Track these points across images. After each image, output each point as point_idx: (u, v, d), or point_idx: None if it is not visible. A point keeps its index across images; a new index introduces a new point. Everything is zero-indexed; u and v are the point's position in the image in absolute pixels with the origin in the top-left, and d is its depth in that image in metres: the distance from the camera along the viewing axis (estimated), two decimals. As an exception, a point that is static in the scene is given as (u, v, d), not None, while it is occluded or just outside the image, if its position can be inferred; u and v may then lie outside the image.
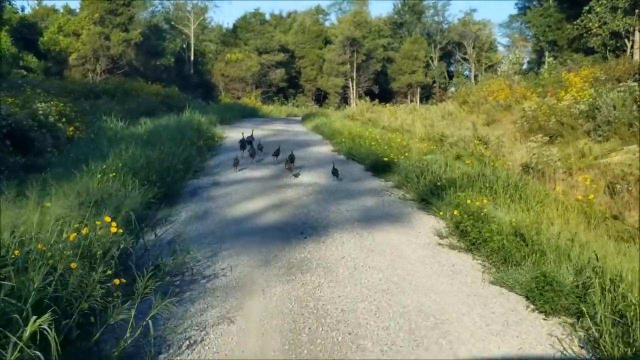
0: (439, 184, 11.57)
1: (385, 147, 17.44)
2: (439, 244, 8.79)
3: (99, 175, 9.81)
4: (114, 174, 9.92)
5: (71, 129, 16.36)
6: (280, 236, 8.93)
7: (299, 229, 9.39)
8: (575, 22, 34.15)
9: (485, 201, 9.59)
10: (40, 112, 15.41)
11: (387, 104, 41.17)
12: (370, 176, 14.98)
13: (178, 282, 6.77)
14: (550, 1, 40.66)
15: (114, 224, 5.67)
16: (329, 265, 7.53)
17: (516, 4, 54.50)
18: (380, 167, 15.40)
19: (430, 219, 10.34)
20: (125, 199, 8.31)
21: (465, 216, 9.08)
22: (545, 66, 37.95)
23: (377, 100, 42.31)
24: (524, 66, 49.42)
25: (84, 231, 5.46)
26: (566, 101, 21.37)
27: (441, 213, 10.14)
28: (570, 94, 22.09)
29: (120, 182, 9.79)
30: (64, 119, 16.41)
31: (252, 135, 17.88)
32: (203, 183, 13.30)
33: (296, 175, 14.28)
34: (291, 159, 15.00)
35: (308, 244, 8.53)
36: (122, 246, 5.71)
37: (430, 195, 11.34)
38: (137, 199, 9.04)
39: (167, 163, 12.22)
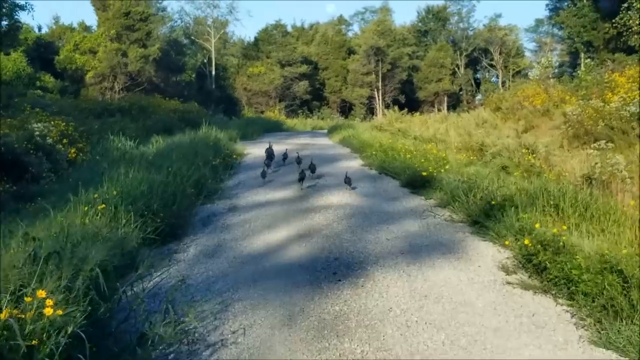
0: (493, 202, 9.77)
1: (422, 160, 15.71)
2: (508, 283, 6.99)
3: (86, 208, 8.13)
4: (103, 205, 8.22)
5: (73, 150, 14.74)
6: (308, 279, 7.20)
7: (331, 267, 7.65)
8: (613, 21, 32.31)
9: (564, 227, 7.76)
10: (37, 133, 13.81)
11: (415, 114, 39.48)
12: (408, 194, 13.22)
13: (172, 355, 5.05)
14: (585, 0, 38.77)
15: (49, 302, 3.89)
16: (373, 323, 5.76)
17: (547, 5, 52.70)
18: (418, 183, 13.69)
19: (489, 248, 8.55)
20: (105, 244, 6.56)
21: (539, 246, 7.26)
22: (582, 68, 35.93)
23: (405, 109, 40.53)
24: (556, 69, 47.55)
25: (2, 315, 3.72)
26: (614, 103, 19.49)
27: (507, 242, 8.27)
28: (619, 95, 20.20)
29: (111, 216, 8.10)
30: (65, 140, 14.83)
31: (270, 148, 16.73)
32: (218, 208, 11.64)
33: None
34: (312, 169, 14.63)
35: (343, 290, 6.79)
36: (68, 330, 3.86)
37: (485, 217, 9.56)
38: (130, 237, 7.36)
39: (174, 187, 10.54)
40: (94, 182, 10.43)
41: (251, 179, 15.33)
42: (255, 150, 20.04)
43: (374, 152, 18.64)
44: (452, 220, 10.34)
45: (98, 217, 7.91)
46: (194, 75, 59.47)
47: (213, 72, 57.90)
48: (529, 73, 70.96)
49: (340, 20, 78.04)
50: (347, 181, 13.34)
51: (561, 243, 7.15)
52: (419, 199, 12.55)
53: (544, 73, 44.36)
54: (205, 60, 59.82)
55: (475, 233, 9.35)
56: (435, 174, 13.80)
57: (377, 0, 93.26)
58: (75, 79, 41.35)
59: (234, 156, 18.30)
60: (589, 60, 35.91)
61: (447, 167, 14.71)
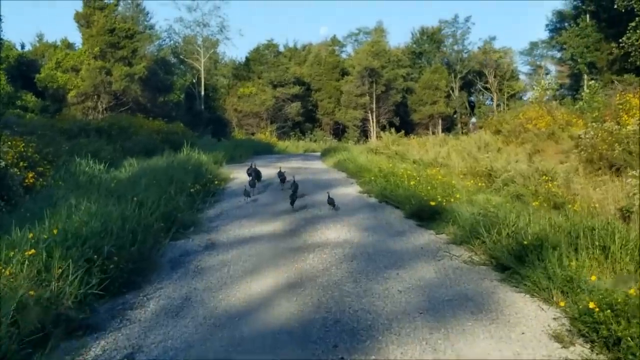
0: (525, 242, 7.99)
1: (428, 187, 13.98)
2: (567, 360, 5.21)
3: (11, 254, 6.30)
4: (32, 251, 6.37)
5: (31, 175, 12.83)
6: (300, 355, 5.39)
7: (330, 336, 5.81)
8: (620, 40, 30.92)
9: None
10: (-15, 154, 11.94)
11: (411, 136, 37.82)
12: (415, 227, 11.47)
13: None
14: (587, 20, 37.41)
15: None
16: None
17: (547, 25, 51.25)
18: (426, 214, 11.98)
19: (528, 303, 6.76)
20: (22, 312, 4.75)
21: (609, 311, 5.46)
22: (586, 89, 34.46)
23: (401, 132, 38.82)
24: (557, 91, 46.20)
25: None
26: (631, 126, 17.86)
27: (562, 303, 6.38)
28: (635, 117, 18.59)
29: (42, 265, 6.26)
30: (22, 163, 12.93)
31: (253, 168, 16.34)
32: (193, 246, 9.82)
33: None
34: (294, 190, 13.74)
35: (349, 376, 4.97)
36: None
37: (515, 261, 7.79)
38: (64, 295, 5.55)
39: (135, 222, 8.64)
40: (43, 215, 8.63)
41: (235, 208, 13.57)
42: (242, 175, 18.27)
43: (372, 178, 16.93)
44: (473, 263, 8.57)
45: (24, 266, 6.06)
46: (182, 96, 57.70)
47: (202, 93, 56.17)
48: (529, 95, 70.34)
49: (334, 41, 76.74)
50: (330, 202, 12.94)
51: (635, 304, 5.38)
52: (428, 234, 10.80)
53: (544, 95, 43.09)
54: (194, 80, 58.12)
55: (506, 281, 7.57)
56: (444, 203, 12.10)
57: (371, 20, 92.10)
58: (56, 98, 39.46)
59: (217, 182, 16.37)
60: (592, 82, 34.35)
61: (457, 195, 13.01)
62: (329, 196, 12.90)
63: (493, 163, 18.19)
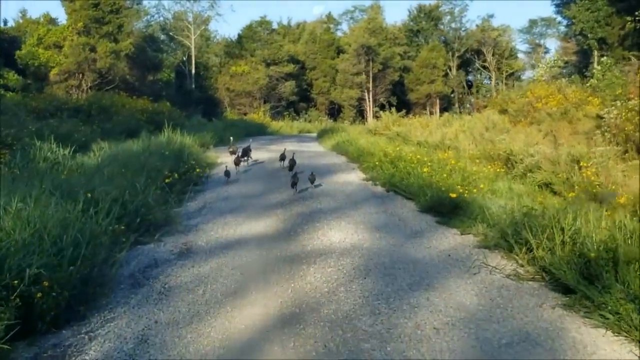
0: (592, 255, 6.08)
1: (444, 175, 12.08)
2: None
3: None
4: None
5: (-20, 162, 10.94)
6: None
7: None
8: (637, 13, 29.01)
9: None
10: None
11: (409, 116, 35.82)
12: (435, 224, 9.59)
13: None
14: (598, -7, 35.40)
15: None
16: None
17: (553, -1, 48.91)
18: (445, 208, 10.14)
19: (615, 347, 4.88)
20: None
21: None
22: (597, 66, 32.52)
23: (402, 111, 36.79)
24: (563, 69, 44.36)
25: None
26: (660, 104, 16.15)
27: None
28: (665, 94, 16.87)
29: None
30: (-28, 148, 11.07)
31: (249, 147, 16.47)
32: (164, 252, 7.85)
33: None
34: (291, 165, 13.77)
35: None
36: None
37: (581, 280, 5.92)
38: None
39: (82, 229, 6.47)
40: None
41: (220, 199, 11.64)
42: (230, 159, 16.38)
43: (377, 163, 15.02)
44: (520, 278, 6.68)
45: None
46: (172, 75, 55.58)
47: (193, 71, 54.05)
48: (528, 74, 68.65)
49: (329, 18, 74.43)
50: (311, 179, 12.61)
51: None
52: (451, 234, 8.91)
53: (549, 72, 41.24)
54: (184, 59, 55.97)
55: (573, 309, 5.69)
56: (465, 194, 10.23)
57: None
58: (38, 76, 37.31)
59: (199, 169, 14.21)
60: (605, 58, 32.36)
61: (481, 185, 11.13)
62: (311, 173, 12.62)
63: (509, 145, 16.32)
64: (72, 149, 13.90)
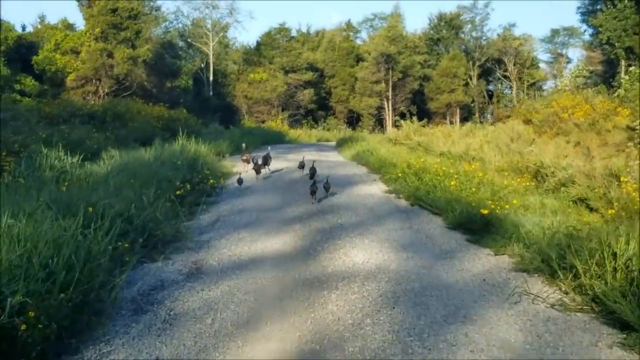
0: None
1: (473, 189, 11.37)
2: None
3: None
4: None
5: (-18, 171, 10.34)
6: None
7: None
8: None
9: None
10: None
11: (429, 126, 35.02)
12: (465, 243, 8.87)
13: None
14: (626, 1, 34.54)
15: None
16: None
17: (578, 8, 48.00)
18: (476, 225, 9.42)
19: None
20: None
21: None
22: (625, 76, 31.68)
23: (424, 120, 36.04)
24: (587, 79, 43.45)
25: None
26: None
27: None
28: None
29: None
30: (-26, 156, 10.46)
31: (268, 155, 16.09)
32: (172, 272, 7.18)
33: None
34: (311, 174, 13.36)
35: None
36: None
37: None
38: None
39: (72, 248, 5.67)
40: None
41: (235, 212, 10.97)
42: (244, 168, 15.70)
43: (399, 175, 14.33)
44: (566, 309, 5.96)
45: None
46: (191, 82, 55.19)
47: (211, 78, 53.63)
48: (549, 84, 67.78)
49: (349, 26, 73.76)
50: (326, 187, 12.31)
51: None
52: (484, 254, 8.19)
53: (574, 82, 40.41)
54: (202, 66, 55.53)
55: (635, 350, 4.96)
56: (497, 210, 9.53)
57: (387, 2, 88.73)
58: (55, 81, 36.97)
59: (212, 180, 13.21)
60: (633, 67, 31.51)
61: (514, 201, 10.42)
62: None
63: (542, 158, 15.57)
64: (82, 157, 13.30)
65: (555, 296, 6.27)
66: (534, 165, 14.90)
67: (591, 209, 11.28)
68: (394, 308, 5.92)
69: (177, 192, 10.39)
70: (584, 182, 12.28)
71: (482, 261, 7.81)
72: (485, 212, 9.45)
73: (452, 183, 11.85)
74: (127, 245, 6.95)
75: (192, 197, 11.32)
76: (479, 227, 9.41)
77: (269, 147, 18.42)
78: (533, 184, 13.61)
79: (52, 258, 5.26)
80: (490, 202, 10.17)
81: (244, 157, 16.15)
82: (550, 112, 24.44)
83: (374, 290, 6.46)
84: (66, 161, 12.18)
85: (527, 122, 25.58)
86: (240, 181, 13.29)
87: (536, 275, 7.03)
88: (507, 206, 10.01)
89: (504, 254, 8.05)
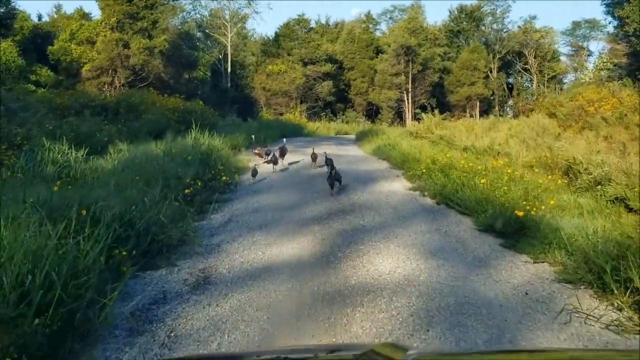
0: None
1: (504, 188, 10.56)
2: None
3: None
4: None
5: (-24, 164, 9.64)
6: None
7: None
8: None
9: None
10: None
11: (449, 119, 34.08)
12: (499, 248, 8.09)
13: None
14: (655, -10, 33.46)
15: None
16: None
17: (602, -1, 46.57)
18: (510, 228, 8.63)
19: None
20: None
21: None
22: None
23: (445, 113, 35.23)
24: (611, 72, 42.45)
25: None
26: None
27: None
28: None
29: None
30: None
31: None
32: (176, 281, 6.44)
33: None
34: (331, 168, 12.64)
35: None
36: None
37: None
38: None
39: (55, 261, 4.92)
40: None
41: (250, 211, 10.23)
42: (264, 164, 14.99)
43: (423, 171, 13.55)
44: (625, 330, 5.18)
45: None
46: (209, 73, 54.52)
47: (229, 70, 52.87)
48: (570, 77, 66.77)
49: (368, 17, 72.84)
50: (338, 178, 11.82)
51: None
52: (522, 261, 7.42)
53: (598, 75, 39.41)
54: (220, 57, 54.81)
55: None
56: (533, 212, 8.75)
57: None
58: (70, 72, 36.43)
59: (225, 177, 12.59)
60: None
61: (550, 201, 9.62)
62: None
63: (571, 153, 14.72)
64: (90, 151, 12.56)
65: (608, 314, 5.48)
66: (565, 162, 14.08)
67: (630, 209, 10.47)
68: (428, 331, 5.14)
69: (186, 191, 9.62)
70: (621, 180, 11.44)
71: (521, 270, 7.03)
72: (520, 214, 8.67)
73: (482, 181, 11.04)
74: (124, 253, 6.18)
75: (204, 194, 10.60)
76: (513, 230, 8.64)
77: (284, 140, 17.75)
78: (564, 181, 12.78)
79: (29, 274, 4.50)
80: (524, 202, 9.39)
81: (257, 151, 15.54)
82: (575, 106, 23.66)
83: (404, 307, 5.68)
84: (70, 155, 11.41)
85: (551, 115, 24.80)
86: (254, 173, 12.96)
87: (583, 287, 6.25)
88: (542, 207, 9.22)
89: (543, 262, 7.27)
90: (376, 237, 8.40)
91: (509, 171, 12.49)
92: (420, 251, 7.73)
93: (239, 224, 9.31)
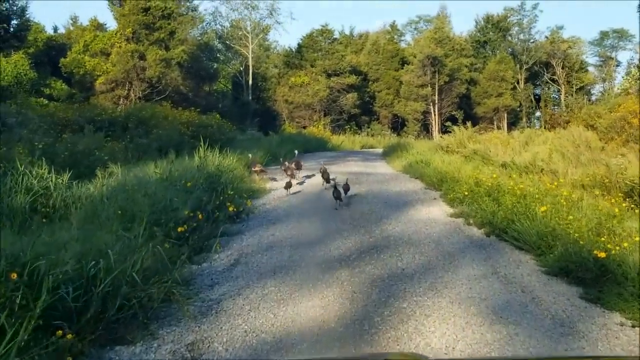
0: None
1: (571, 217, 8.67)
2: None
3: None
4: None
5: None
6: None
7: None
8: None
9: None
10: None
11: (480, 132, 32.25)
12: (579, 302, 6.31)
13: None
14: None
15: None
16: None
17: (639, 6, 44.23)
18: (587, 271, 6.88)
19: None
20: None
21: None
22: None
23: (477, 126, 33.34)
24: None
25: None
26: None
27: None
28: None
29: None
30: None
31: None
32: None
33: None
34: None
35: None
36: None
37: None
38: None
39: None
40: None
41: (262, 249, 8.39)
42: (283, 185, 13.21)
43: (466, 193, 11.71)
44: None
45: None
46: (230, 85, 53.06)
47: (250, 82, 51.32)
48: (598, 88, 65.16)
49: (393, 28, 71.12)
50: (345, 189, 11.81)
51: None
52: (617, 324, 5.67)
53: (635, 85, 37.98)
54: (242, 69, 53.30)
55: None
56: (614, 251, 6.95)
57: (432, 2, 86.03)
58: (84, 85, 35.11)
59: (232, 207, 10.36)
60: None
61: (636, 237, 7.72)
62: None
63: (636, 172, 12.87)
64: (78, 173, 10.81)
65: None
66: (630, 182, 12.22)
67: None
68: None
69: (180, 229, 7.66)
70: None
71: (622, 340, 5.22)
72: (602, 255, 6.83)
73: (543, 209, 9.14)
74: (70, 335, 4.35)
75: (206, 229, 8.73)
76: (592, 275, 6.80)
77: (296, 152, 16.28)
78: (629, 205, 10.86)
79: None
80: (598, 236, 7.56)
81: (256, 168, 14.13)
82: (616, 117, 21.94)
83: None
84: (50, 181, 9.52)
85: (589, 127, 23.07)
86: (288, 185, 12.59)
87: None
88: (624, 244, 7.35)
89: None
90: (420, 288, 6.57)
91: (564, 193, 10.64)
92: (481, 310, 5.90)
93: (247, 267, 7.48)
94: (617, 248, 7.12)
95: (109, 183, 9.78)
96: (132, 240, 6.31)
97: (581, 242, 7.37)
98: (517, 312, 5.88)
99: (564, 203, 9.79)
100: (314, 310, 5.94)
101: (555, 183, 12.33)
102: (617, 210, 9.37)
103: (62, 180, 9.43)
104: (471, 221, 10.20)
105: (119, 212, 7.45)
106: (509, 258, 7.98)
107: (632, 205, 10.83)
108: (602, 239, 7.48)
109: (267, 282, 6.84)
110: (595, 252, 6.92)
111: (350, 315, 5.78)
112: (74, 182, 9.69)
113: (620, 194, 11.83)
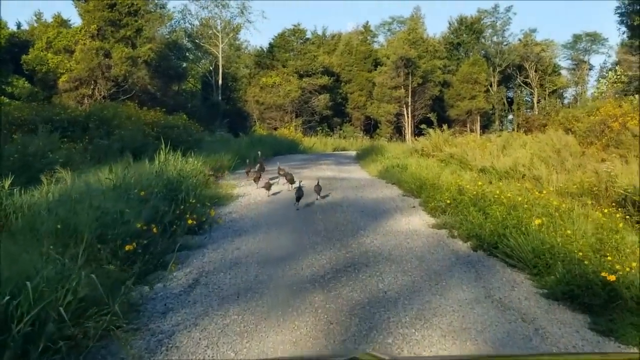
0: None
1: (567, 232, 7.83)
2: None
3: None
4: None
5: None
6: None
7: None
8: None
9: None
10: None
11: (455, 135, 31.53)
12: (590, 334, 5.52)
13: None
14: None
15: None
16: None
17: (616, 8, 43.91)
18: (594, 297, 6.08)
19: None
20: None
21: None
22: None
23: (453, 128, 32.69)
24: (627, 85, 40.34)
25: None
26: None
27: None
28: None
29: None
30: None
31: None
32: None
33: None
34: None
35: None
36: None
37: None
38: None
39: None
40: None
41: (226, 267, 7.43)
42: (253, 190, 12.26)
43: (448, 202, 10.89)
44: None
45: None
46: (199, 85, 51.97)
47: (220, 82, 50.27)
48: (570, 92, 65.25)
49: (366, 29, 70.36)
50: (317, 190, 11.89)
51: None
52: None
53: (611, 89, 37.73)
54: (211, 68, 52.24)
55: None
56: (622, 272, 6.13)
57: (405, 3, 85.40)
58: (47, 83, 33.85)
59: (190, 221, 8.94)
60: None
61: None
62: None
63: (628, 180, 12.13)
64: (28, 178, 9.78)
65: None
66: (623, 191, 11.46)
67: None
68: None
69: (128, 247, 6.62)
70: None
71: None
72: (612, 278, 6.00)
73: (537, 222, 8.27)
74: None
75: (162, 244, 7.69)
76: (600, 301, 5.97)
77: (259, 152, 15.38)
78: (621, 215, 10.06)
79: None
80: (608, 256, 6.74)
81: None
82: (596, 121, 21.38)
83: None
84: None
85: (567, 131, 22.50)
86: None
87: None
88: (633, 264, 6.53)
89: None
90: (407, 317, 5.68)
91: (554, 203, 9.86)
92: (478, 345, 5.04)
93: (207, 288, 6.51)
94: (627, 269, 6.32)
95: (54, 190, 8.70)
96: (68, 262, 5.29)
97: (585, 262, 6.53)
98: (521, 348, 5.04)
99: (557, 215, 8.99)
100: (282, 346, 4.99)
101: (544, 191, 11.57)
102: (620, 225, 8.56)
103: (3, 186, 8.35)
104: (455, 233, 9.36)
105: (58, 226, 6.43)
106: (502, 278, 7.14)
107: (627, 216, 10.08)
108: (609, 258, 6.66)
109: (230, 308, 5.89)
110: (603, 274, 6.09)
111: (326, 355, 4.86)
112: (16, 189, 8.61)
113: (612, 204, 11.13)
